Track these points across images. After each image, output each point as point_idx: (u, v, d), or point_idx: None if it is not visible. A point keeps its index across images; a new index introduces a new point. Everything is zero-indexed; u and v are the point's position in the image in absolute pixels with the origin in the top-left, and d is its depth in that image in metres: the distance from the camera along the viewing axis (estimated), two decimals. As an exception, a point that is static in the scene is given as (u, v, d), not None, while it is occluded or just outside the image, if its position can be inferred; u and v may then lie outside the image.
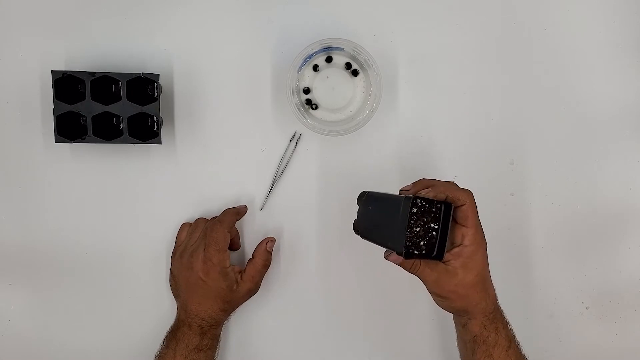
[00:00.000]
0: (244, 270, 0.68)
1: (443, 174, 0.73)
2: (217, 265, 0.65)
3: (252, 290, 0.69)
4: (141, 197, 0.72)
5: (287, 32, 0.71)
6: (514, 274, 0.74)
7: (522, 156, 0.73)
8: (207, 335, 0.66)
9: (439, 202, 0.55)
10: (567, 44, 0.72)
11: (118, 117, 0.66)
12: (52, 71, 0.65)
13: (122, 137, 0.66)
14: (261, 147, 0.72)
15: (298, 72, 0.68)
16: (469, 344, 0.61)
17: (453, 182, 0.59)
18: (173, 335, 0.67)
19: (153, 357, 0.67)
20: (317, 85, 0.69)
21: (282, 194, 0.73)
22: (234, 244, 0.71)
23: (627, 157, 0.74)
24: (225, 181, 0.72)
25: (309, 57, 0.67)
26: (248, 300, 0.70)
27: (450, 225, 0.55)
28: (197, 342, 0.65)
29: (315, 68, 0.69)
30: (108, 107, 0.66)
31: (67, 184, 0.72)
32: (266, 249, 0.70)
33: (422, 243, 0.54)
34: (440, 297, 0.59)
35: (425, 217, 0.54)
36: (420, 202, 0.54)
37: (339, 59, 0.69)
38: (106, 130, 0.67)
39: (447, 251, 0.56)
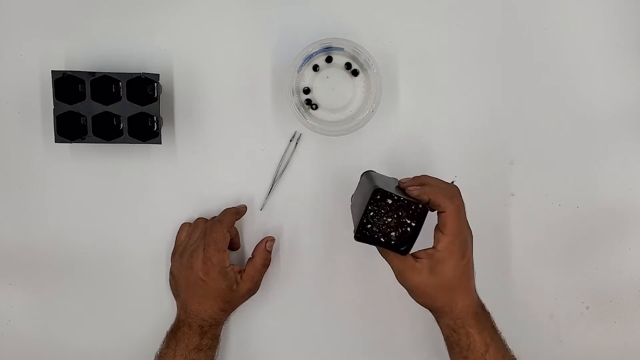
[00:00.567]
0: (244, 269, 0.68)
1: (443, 174, 0.72)
2: (217, 265, 0.65)
3: (252, 290, 0.69)
4: (141, 197, 0.72)
5: (287, 32, 0.71)
6: (514, 274, 0.74)
7: (522, 156, 0.73)
8: (207, 335, 0.66)
9: (419, 202, 0.57)
10: (567, 44, 0.72)
11: (118, 117, 0.66)
12: (52, 71, 0.65)
13: (122, 137, 0.66)
14: (261, 147, 0.72)
15: (298, 72, 0.68)
16: (445, 341, 0.63)
17: (449, 186, 0.60)
18: (173, 335, 0.67)
19: (153, 357, 0.67)
20: (317, 85, 0.69)
21: (282, 194, 0.73)
22: (234, 244, 0.71)
23: (627, 157, 0.74)
24: (225, 181, 0.72)
25: (309, 57, 0.67)
26: (248, 300, 0.70)
27: (422, 226, 0.57)
28: (197, 342, 0.65)
29: (315, 68, 0.69)
30: (108, 107, 0.66)
31: (67, 184, 0.72)
32: (265, 249, 0.70)
33: (392, 234, 0.57)
34: (405, 289, 0.61)
35: (401, 212, 0.57)
36: (386, 194, 0.56)
37: (339, 59, 0.69)
38: (106, 130, 0.67)
39: (423, 249, 0.59)
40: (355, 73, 0.69)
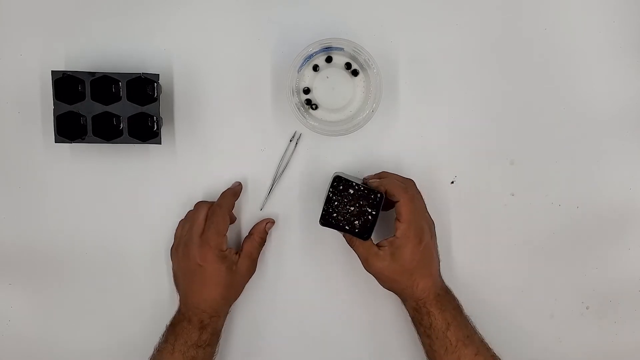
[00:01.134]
0: (241, 248, 0.69)
1: (443, 174, 0.73)
2: (215, 247, 0.65)
3: (250, 269, 0.69)
4: (141, 197, 0.72)
5: (287, 32, 0.71)
6: (514, 273, 0.74)
7: (522, 156, 0.73)
8: (207, 330, 0.66)
9: (378, 192, 0.63)
10: (567, 44, 0.72)
11: (118, 117, 0.66)
12: (52, 71, 0.65)
13: (122, 137, 0.66)
14: (261, 147, 0.72)
15: (298, 72, 0.68)
16: (412, 322, 0.68)
17: (405, 180, 0.67)
18: (172, 329, 0.66)
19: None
20: (317, 85, 0.69)
21: (282, 194, 0.73)
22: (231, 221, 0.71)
23: (627, 157, 0.74)
24: (225, 181, 0.72)
25: (309, 57, 0.67)
26: (246, 307, 0.69)
27: (379, 213, 0.64)
28: (196, 337, 0.65)
29: (315, 68, 0.69)
30: (108, 107, 0.66)
31: (67, 184, 0.72)
32: (264, 229, 0.70)
33: (356, 222, 0.64)
34: (372, 275, 0.66)
35: (362, 201, 0.64)
36: (348, 184, 0.63)
37: (339, 59, 0.69)
38: (106, 130, 0.67)
39: (385, 238, 0.64)
40: (355, 73, 0.69)
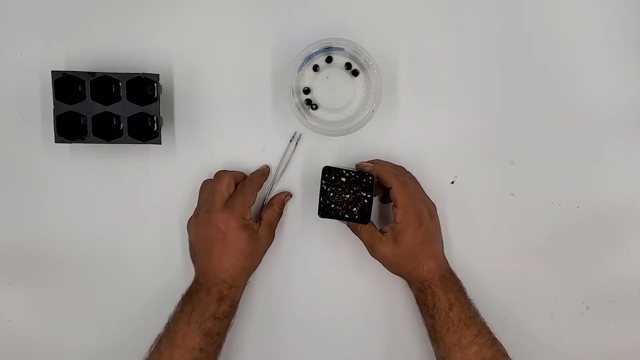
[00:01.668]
0: (260, 217, 0.69)
1: (443, 174, 0.73)
2: (239, 214, 0.65)
3: (269, 238, 0.69)
4: (141, 197, 0.72)
5: (287, 32, 0.71)
6: (514, 273, 0.74)
7: (522, 156, 0.73)
8: (225, 301, 0.65)
9: (369, 174, 0.65)
10: (567, 44, 0.72)
11: (118, 117, 0.66)
12: (52, 71, 0.65)
13: (122, 137, 0.66)
14: (261, 147, 0.72)
15: (298, 72, 0.68)
16: (416, 303, 0.69)
17: (396, 166, 0.69)
18: (189, 298, 0.65)
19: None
20: (317, 85, 0.69)
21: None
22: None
23: (627, 157, 0.74)
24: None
25: (309, 57, 0.67)
26: (249, 309, 0.69)
27: (373, 196, 0.65)
28: (214, 309, 0.64)
29: (315, 68, 0.69)
30: (108, 107, 0.66)
31: (67, 184, 0.72)
32: (283, 201, 0.71)
33: (354, 209, 0.65)
34: (378, 260, 0.67)
35: (355, 187, 0.65)
36: (338, 172, 0.65)
37: (339, 59, 0.69)
38: (106, 131, 0.67)
39: (388, 225, 0.66)
40: (355, 73, 0.69)
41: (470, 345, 0.64)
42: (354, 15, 0.71)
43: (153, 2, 0.70)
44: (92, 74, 0.65)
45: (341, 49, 0.67)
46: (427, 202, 0.70)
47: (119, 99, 0.66)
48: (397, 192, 0.65)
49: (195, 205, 0.70)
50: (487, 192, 0.74)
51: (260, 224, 0.68)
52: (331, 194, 0.65)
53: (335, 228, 0.73)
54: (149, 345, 0.67)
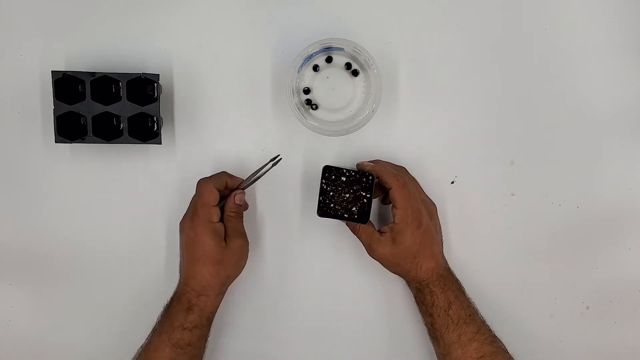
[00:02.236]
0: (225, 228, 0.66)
1: (443, 174, 0.73)
2: (203, 218, 0.64)
3: (242, 246, 0.66)
4: (141, 197, 0.72)
5: (287, 32, 0.71)
6: (514, 274, 0.74)
7: (522, 156, 0.73)
8: (194, 310, 0.63)
9: (369, 174, 0.65)
10: (567, 44, 0.72)
11: (118, 117, 0.66)
12: (52, 71, 0.65)
13: (122, 137, 0.66)
14: (261, 147, 0.72)
15: (298, 72, 0.68)
16: (415, 302, 0.70)
17: (397, 167, 0.69)
18: (165, 309, 0.65)
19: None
20: (317, 85, 0.69)
21: (282, 194, 0.73)
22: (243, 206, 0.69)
23: (627, 157, 0.74)
24: (225, 181, 0.72)
25: (309, 57, 0.67)
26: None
27: (373, 195, 0.65)
28: (182, 319, 0.63)
29: (315, 68, 0.69)
30: (108, 107, 0.66)
31: (67, 184, 0.72)
32: (234, 202, 0.67)
33: (353, 208, 0.65)
34: (376, 260, 0.67)
35: (355, 186, 0.65)
36: (339, 172, 0.65)
37: (339, 59, 0.69)
38: (106, 131, 0.67)
39: (387, 225, 0.66)
40: (355, 73, 0.69)
41: (471, 342, 0.64)
42: (354, 15, 0.71)
43: (153, 2, 0.70)
44: (92, 74, 0.65)
45: (341, 49, 0.67)
46: (427, 202, 0.70)
47: (119, 99, 0.66)
48: (396, 193, 0.65)
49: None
50: (487, 192, 0.74)
51: (227, 234, 0.65)
52: (331, 194, 0.65)
53: (336, 227, 0.73)
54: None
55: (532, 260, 0.74)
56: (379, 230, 0.67)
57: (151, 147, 0.71)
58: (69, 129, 0.66)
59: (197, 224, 0.64)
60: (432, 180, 0.72)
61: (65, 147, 0.71)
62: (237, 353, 0.74)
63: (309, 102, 0.69)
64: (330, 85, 0.69)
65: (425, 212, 0.67)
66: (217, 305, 0.66)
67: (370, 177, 0.65)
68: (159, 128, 0.68)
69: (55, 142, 0.66)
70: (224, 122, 0.72)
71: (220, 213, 0.66)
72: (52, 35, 0.70)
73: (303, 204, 0.73)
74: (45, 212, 0.72)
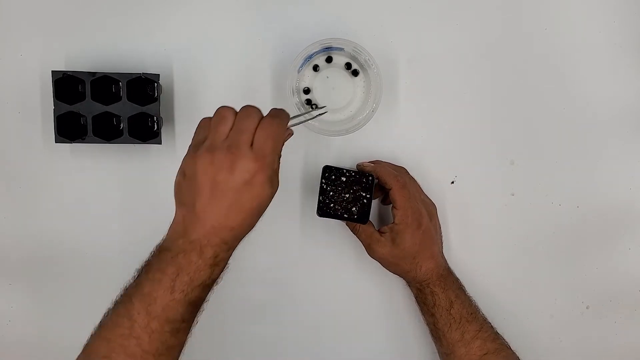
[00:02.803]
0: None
1: (443, 174, 0.73)
2: (269, 165, 0.51)
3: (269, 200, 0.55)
4: (141, 197, 0.72)
5: (287, 32, 0.71)
6: (514, 274, 0.74)
7: (522, 156, 0.73)
8: (220, 265, 0.53)
9: (369, 174, 0.65)
10: (567, 44, 0.72)
11: (118, 117, 0.66)
12: (52, 71, 0.65)
13: (122, 137, 0.66)
14: (261, 147, 0.72)
15: (298, 72, 0.68)
16: (416, 302, 0.70)
17: (397, 167, 0.69)
18: (173, 258, 0.52)
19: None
20: (317, 85, 0.69)
21: (282, 194, 0.72)
22: None
23: (627, 157, 0.74)
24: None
25: (309, 57, 0.67)
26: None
27: (373, 195, 0.65)
28: (205, 276, 0.51)
29: (315, 68, 0.69)
30: (108, 107, 0.66)
31: (67, 184, 0.72)
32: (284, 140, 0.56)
33: (353, 208, 0.65)
34: (376, 260, 0.67)
35: (355, 186, 0.65)
36: (339, 172, 0.65)
37: (339, 59, 0.69)
38: (106, 131, 0.67)
39: (387, 225, 0.66)
40: (355, 73, 0.69)
41: (474, 340, 0.65)
42: (354, 15, 0.71)
43: (153, 2, 0.70)
44: (92, 74, 0.65)
45: (341, 49, 0.67)
46: (427, 203, 0.70)
47: (119, 99, 0.66)
48: (396, 194, 0.65)
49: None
50: (487, 192, 0.74)
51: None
52: (330, 193, 0.65)
53: (336, 227, 0.73)
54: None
55: (532, 260, 0.74)
56: (378, 231, 0.67)
57: (151, 147, 0.71)
58: (69, 129, 0.66)
59: (262, 170, 0.51)
60: (432, 180, 0.72)
61: (65, 147, 0.71)
62: (237, 353, 0.74)
63: (309, 102, 0.69)
64: (330, 85, 0.69)
65: (425, 212, 0.67)
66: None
67: (370, 178, 0.65)
68: (159, 128, 0.68)
69: (55, 142, 0.66)
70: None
71: None
72: (52, 35, 0.70)
73: (303, 204, 0.73)
74: (45, 212, 0.72)
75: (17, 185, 0.71)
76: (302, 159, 0.72)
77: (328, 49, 0.68)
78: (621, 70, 0.73)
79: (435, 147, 0.73)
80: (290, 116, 0.56)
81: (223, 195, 0.51)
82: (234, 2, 0.71)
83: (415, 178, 0.71)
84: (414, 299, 0.70)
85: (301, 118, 0.59)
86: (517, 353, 0.66)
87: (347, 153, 0.72)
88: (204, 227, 0.52)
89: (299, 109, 0.67)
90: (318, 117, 0.69)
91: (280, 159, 0.55)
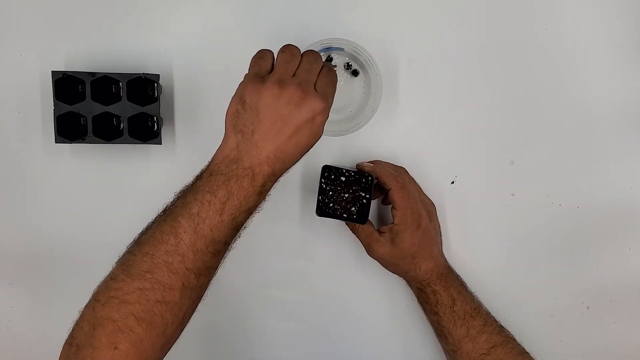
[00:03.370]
0: None
1: (443, 174, 0.73)
2: (328, 107, 0.54)
3: None
4: (141, 197, 0.72)
5: (287, 32, 0.71)
6: (514, 274, 0.74)
7: (522, 156, 0.73)
8: (263, 195, 0.55)
9: (369, 174, 0.64)
10: (567, 44, 0.72)
11: (118, 117, 0.66)
12: (52, 71, 0.65)
13: (122, 137, 0.66)
14: (261, 147, 0.72)
15: (298, 72, 0.68)
16: (418, 301, 0.70)
17: (396, 168, 0.69)
18: (225, 182, 0.53)
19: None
20: (317, 85, 0.69)
21: (282, 194, 0.73)
22: None
23: (627, 157, 0.74)
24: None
25: (309, 57, 0.67)
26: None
27: (372, 196, 0.65)
28: (252, 203, 0.53)
29: (315, 68, 0.68)
30: (108, 108, 0.66)
31: (67, 184, 0.72)
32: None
33: (352, 208, 0.65)
34: (375, 260, 0.68)
35: (355, 186, 0.65)
36: (338, 172, 0.64)
37: (339, 59, 0.69)
38: (106, 131, 0.67)
39: (386, 225, 0.66)
40: (355, 73, 0.69)
41: (480, 334, 0.65)
42: (354, 15, 0.71)
43: (153, 2, 0.70)
44: (92, 74, 0.65)
45: (341, 49, 0.67)
46: (427, 203, 0.70)
47: (119, 99, 0.66)
48: (395, 194, 0.65)
49: None
50: (487, 192, 0.74)
51: None
52: (330, 193, 0.65)
53: (335, 226, 0.73)
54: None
55: (532, 260, 0.74)
56: (378, 230, 0.67)
57: (151, 147, 0.71)
58: (69, 129, 0.66)
59: (323, 112, 0.54)
60: (432, 180, 0.72)
61: (65, 147, 0.71)
62: (237, 353, 0.74)
63: (309, 102, 0.69)
64: (330, 85, 0.69)
65: (425, 213, 0.67)
66: None
67: (370, 178, 0.65)
68: (159, 128, 0.68)
69: (55, 142, 0.66)
70: (224, 122, 0.71)
71: None
72: (52, 35, 0.70)
73: (302, 204, 0.73)
74: (46, 212, 0.72)
75: (17, 185, 0.71)
76: (301, 158, 0.72)
77: (328, 49, 0.68)
78: (621, 71, 0.73)
79: (435, 147, 0.73)
80: None
81: (285, 128, 0.53)
82: (234, 2, 0.71)
83: (415, 178, 0.71)
84: (413, 299, 0.71)
85: None
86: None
87: (346, 153, 0.72)
88: (260, 155, 0.53)
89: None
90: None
91: None
